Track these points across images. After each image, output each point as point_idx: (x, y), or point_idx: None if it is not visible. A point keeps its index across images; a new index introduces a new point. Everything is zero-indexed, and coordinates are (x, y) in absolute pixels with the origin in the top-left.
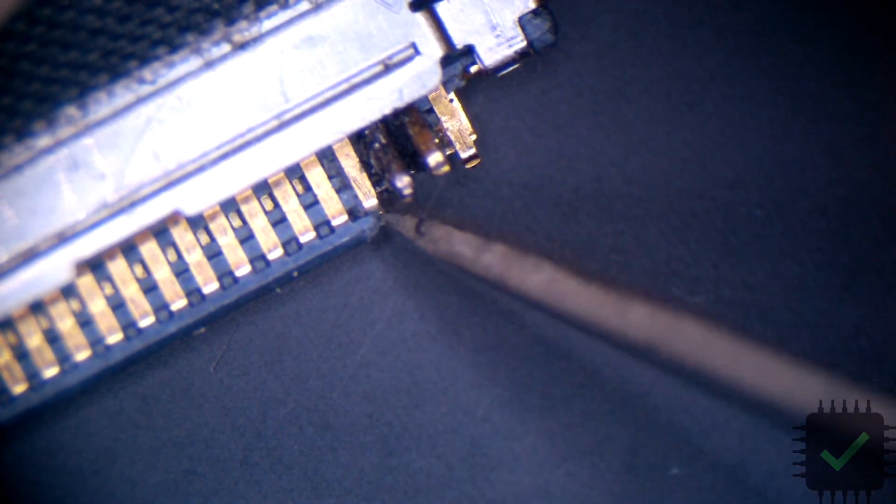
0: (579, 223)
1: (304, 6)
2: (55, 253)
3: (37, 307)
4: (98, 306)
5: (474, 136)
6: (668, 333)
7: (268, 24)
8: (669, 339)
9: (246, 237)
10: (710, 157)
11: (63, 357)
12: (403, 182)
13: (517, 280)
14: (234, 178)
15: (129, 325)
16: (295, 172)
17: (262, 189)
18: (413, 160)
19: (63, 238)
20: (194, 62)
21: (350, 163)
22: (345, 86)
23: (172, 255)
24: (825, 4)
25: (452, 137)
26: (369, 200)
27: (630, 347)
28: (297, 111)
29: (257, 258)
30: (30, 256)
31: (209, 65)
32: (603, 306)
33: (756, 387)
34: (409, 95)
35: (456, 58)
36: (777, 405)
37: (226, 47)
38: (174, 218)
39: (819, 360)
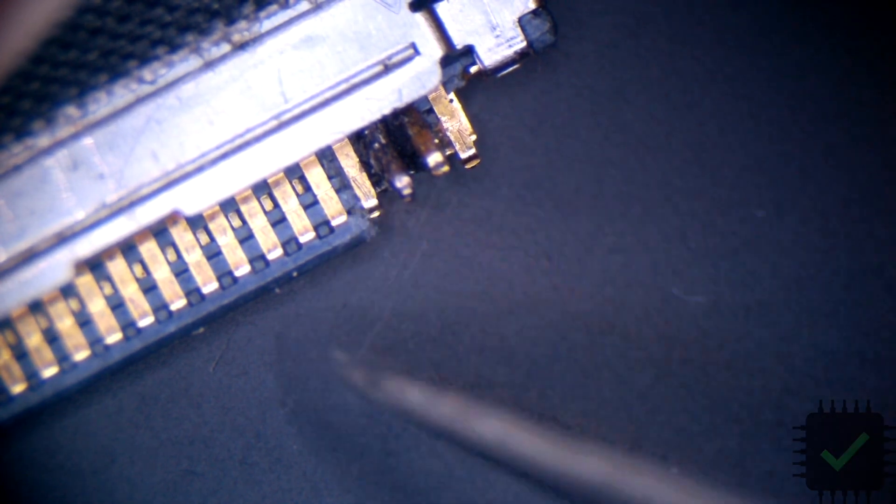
0: (579, 223)
1: (304, 6)
2: (54, 253)
3: (36, 307)
4: (97, 306)
5: (474, 137)
6: (622, 477)
7: (267, 25)
8: (624, 483)
9: (245, 237)
10: (710, 157)
11: (62, 357)
12: (403, 182)
13: (470, 428)
14: (234, 178)
15: (128, 325)
16: (294, 172)
17: (262, 189)
18: (413, 160)
19: (62, 238)
20: (194, 62)
21: (350, 163)
22: (344, 86)
23: (172, 255)
24: (825, 4)
25: (452, 138)
26: (369, 200)
27: (585, 491)
28: (297, 111)
29: (257, 258)
30: (29, 256)
31: (209, 65)
32: (557, 451)
33: None
34: (409, 95)
35: (456, 58)
36: None
37: (225, 47)
38: (173, 218)
39: (819, 360)
